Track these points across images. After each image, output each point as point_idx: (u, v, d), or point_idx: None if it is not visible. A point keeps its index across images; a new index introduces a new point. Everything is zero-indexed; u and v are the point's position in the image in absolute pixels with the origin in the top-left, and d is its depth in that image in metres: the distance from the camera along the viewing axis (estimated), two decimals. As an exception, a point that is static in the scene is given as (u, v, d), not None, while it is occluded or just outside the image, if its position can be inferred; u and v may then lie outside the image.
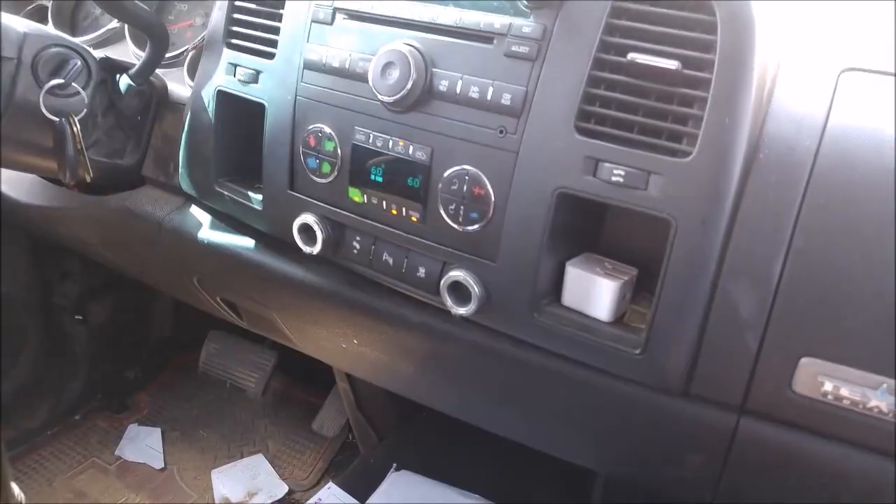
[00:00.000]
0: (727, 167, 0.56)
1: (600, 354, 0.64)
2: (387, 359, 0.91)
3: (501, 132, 0.64)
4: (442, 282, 0.70)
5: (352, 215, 0.76)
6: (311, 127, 0.76)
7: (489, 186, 0.65)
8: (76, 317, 1.52)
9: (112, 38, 1.07)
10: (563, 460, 0.88)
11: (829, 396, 0.55)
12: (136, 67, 0.91)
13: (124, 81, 0.92)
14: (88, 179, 0.86)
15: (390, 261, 0.75)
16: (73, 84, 0.83)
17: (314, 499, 1.30)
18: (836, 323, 0.54)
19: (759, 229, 0.56)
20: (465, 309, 0.68)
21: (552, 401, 0.76)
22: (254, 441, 1.55)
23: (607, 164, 0.59)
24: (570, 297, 0.67)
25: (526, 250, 0.64)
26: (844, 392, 0.54)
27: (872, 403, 0.53)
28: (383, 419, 1.48)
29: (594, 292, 0.65)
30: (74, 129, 0.81)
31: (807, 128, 0.56)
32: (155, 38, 0.88)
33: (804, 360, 0.55)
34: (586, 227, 0.70)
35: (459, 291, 0.69)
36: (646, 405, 0.65)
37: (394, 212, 0.72)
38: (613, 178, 0.59)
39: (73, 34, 1.12)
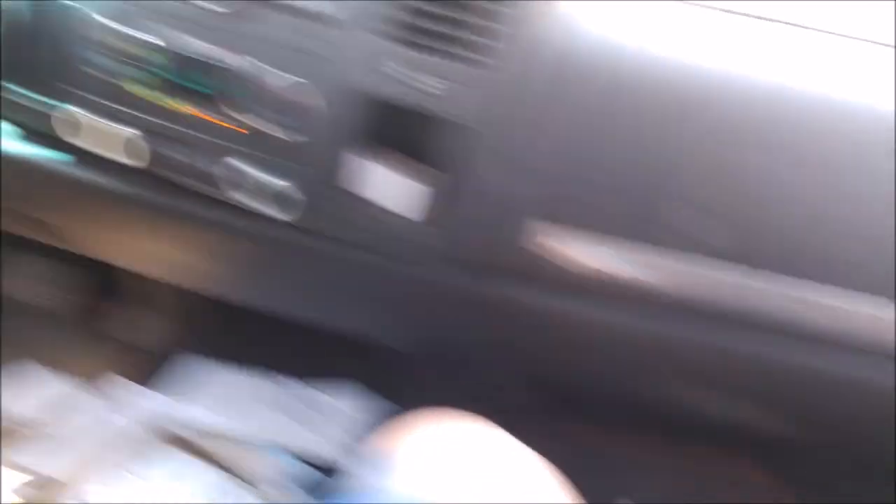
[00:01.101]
0: (522, 74, 0.66)
1: (390, 241, 0.75)
2: (206, 264, 0.94)
3: (320, 40, 0.71)
4: (266, 190, 0.76)
5: (176, 127, 0.77)
6: (130, 33, 0.74)
7: (308, 94, 0.72)
8: None
9: None
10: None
11: (559, 256, 0.68)
12: None
13: None
14: None
15: (214, 171, 0.78)
16: None
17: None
18: (574, 190, 0.67)
19: (527, 123, 0.67)
20: (286, 213, 0.76)
21: (353, 287, 0.86)
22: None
23: (412, 71, 0.69)
24: (370, 191, 0.75)
25: (339, 153, 0.72)
26: (569, 252, 0.67)
27: (593, 262, 0.67)
28: (188, 323, 1.42)
29: (389, 187, 0.74)
30: None
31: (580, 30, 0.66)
32: None
33: (542, 225, 0.67)
34: (392, 131, 0.76)
35: (282, 198, 0.76)
36: (428, 281, 0.78)
37: (219, 122, 0.75)
38: (417, 84, 0.68)
39: None
